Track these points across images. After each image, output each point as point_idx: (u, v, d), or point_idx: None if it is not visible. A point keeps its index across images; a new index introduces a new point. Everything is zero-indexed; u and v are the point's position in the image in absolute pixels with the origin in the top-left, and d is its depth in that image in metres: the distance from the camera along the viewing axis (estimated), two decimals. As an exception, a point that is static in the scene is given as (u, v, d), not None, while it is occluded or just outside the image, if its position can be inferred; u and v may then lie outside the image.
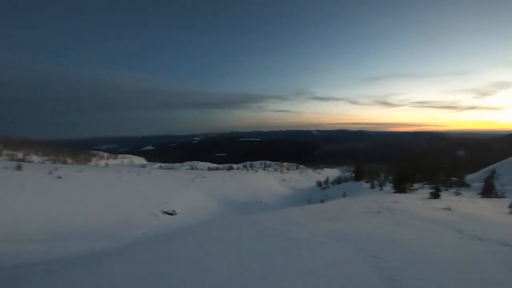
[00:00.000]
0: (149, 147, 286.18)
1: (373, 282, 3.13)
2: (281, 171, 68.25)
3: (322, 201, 22.49)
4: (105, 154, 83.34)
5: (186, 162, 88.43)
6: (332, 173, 75.58)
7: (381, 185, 28.83)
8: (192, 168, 65.92)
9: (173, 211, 22.90)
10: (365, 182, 34.88)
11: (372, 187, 29.57)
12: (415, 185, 25.96)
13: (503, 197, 17.67)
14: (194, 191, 30.08)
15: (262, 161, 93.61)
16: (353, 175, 44.62)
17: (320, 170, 79.01)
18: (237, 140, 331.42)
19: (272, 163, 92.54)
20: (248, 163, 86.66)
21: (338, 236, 5.48)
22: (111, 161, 77.43)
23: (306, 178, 62.37)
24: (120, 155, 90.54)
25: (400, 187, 22.23)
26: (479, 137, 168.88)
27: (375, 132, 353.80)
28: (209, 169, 64.48)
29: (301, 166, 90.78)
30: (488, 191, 19.70)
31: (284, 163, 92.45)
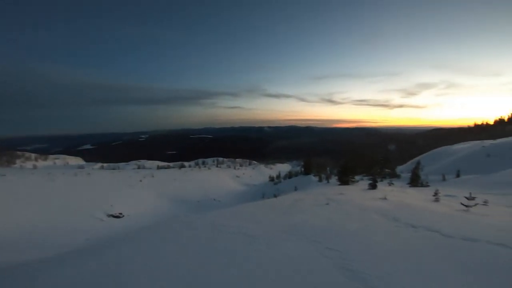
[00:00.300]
0: (87, 146, 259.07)
1: (329, 273, 3.31)
2: (235, 168, 68.39)
3: (275, 196, 23.21)
4: (33, 155, 73.00)
5: (132, 161, 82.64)
6: (284, 168, 78.34)
7: (327, 178, 30.89)
8: (139, 168, 61.72)
9: (120, 213, 21.29)
10: (314, 175, 37.01)
11: (320, 180, 31.51)
12: (356, 177, 28.55)
13: (428, 186, 20.53)
14: (143, 192, 28.25)
15: (215, 158, 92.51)
16: (302, 169, 47.11)
17: (272, 166, 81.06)
18: (188, 137, 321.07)
19: (225, 159, 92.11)
20: (200, 161, 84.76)
21: (293, 230, 5.69)
22: (41, 163, 68.20)
23: (259, 173, 63.55)
24: (51, 156, 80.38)
25: (344, 179, 24.17)
26: (407, 133, 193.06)
27: (322, 128, 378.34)
28: (159, 167, 61.22)
29: (254, 162, 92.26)
30: (415, 181, 22.68)
31: (237, 160, 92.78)
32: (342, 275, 3.20)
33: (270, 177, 51.05)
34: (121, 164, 74.89)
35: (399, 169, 40.17)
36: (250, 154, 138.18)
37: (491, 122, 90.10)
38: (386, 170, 34.59)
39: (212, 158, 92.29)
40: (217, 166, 70.31)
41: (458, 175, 25.18)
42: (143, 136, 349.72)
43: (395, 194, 13.32)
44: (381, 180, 27.34)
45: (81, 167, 60.24)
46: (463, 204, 8.11)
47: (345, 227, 5.85)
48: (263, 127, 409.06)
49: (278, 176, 49.97)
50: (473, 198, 8.14)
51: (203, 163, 78.92)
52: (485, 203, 9.49)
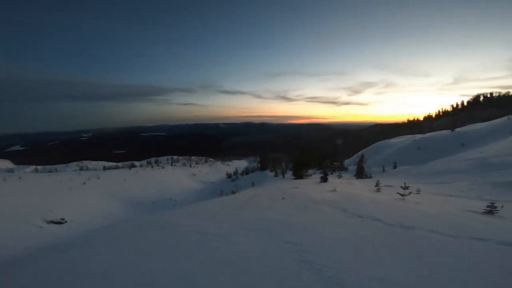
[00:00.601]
0: (17, 147, 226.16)
1: (288, 266, 3.42)
2: (190, 166, 66.53)
3: (233, 192, 23.26)
4: None
5: (72, 163, 74.71)
6: (241, 164, 78.83)
7: (283, 173, 31.94)
8: (81, 169, 55.98)
9: (62, 219, 19.26)
10: (270, 171, 38.00)
11: (276, 175, 32.47)
12: (310, 171, 30.11)
13: (371, 177, 22.60)
14: (88, 195, 25.78)
15: (169, 156, 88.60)
16: (259, 165, 48.07)
17: (229, 162, 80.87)
18: (139, 135, 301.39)
19: (180, 157, 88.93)
20: (153, 159, 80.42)
21: (251, 225, 5.76)
22: (-46, 167, 57.34)
23: (215, 171, 62.88)
24: (-30, 159, 68.17)
25: (298, 173, 25.26)
26: (352, 128, 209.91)
27: (277, 124, 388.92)
28: (105, 168, 56.34)
29: (210, 159, 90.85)
30: (360, 173, 24.79)
31: (193, 157, 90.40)
32: (301, 267, 3.33)
33: (227, 174, 51.13)
34: (60, 166, 67.10)
35: (346, 162, 43.47)
36: (206, 151, 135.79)
37: (421, 118, 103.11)
38: (336, 163, 37.18)
39: (166, 157, 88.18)
40: (171, 165, 67.51)
41: (395, 167, 28.17)
42: (85, 135, 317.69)
43: (343, 186, 14.37)
44: (332, 173, 29.27)
45: (10, 170, 52.40)
46: (399, 194, 9.14)
47: (300, 220, 6.12)
48: (219, 123, 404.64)
49: (235, 173, 50.23)
50: (407, 188, 9.22)
51: (156, 162, 75.01)
52: (418, 191, 10.83)
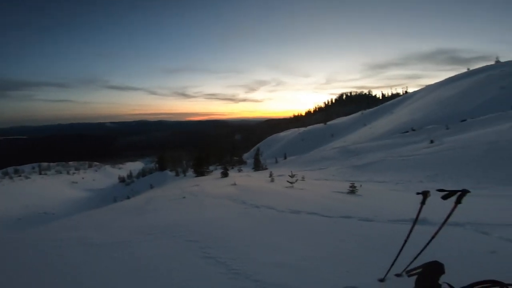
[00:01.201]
0: None
1: (194, 264, 3.35)
2: (68, 173, 55.52)
3: (128, 198, 20.99)
4: None
5: None
6: (136, 166, 72.01)
7: (184, 172, 31.07)
8: None
9: None
10: (170, 170, 36.22)
11: (177, 174, 31.27)
12: (211, 167, 30.42)
13: (266, 169, 24.87)
14: None
15: (35, 164, 70.56)
16: (157, 165, 45.03)
17: (121, 165, 73.47)
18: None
19: (52, 164, 72.34)
20: (11, 169, 62.21)
21: (149, 229, 5.31)
22: None
23: (104, 176, 55.10)
24: None
25: (199, 171, 25.12)
26: (249, 123, 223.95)
27: (175, 122, 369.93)
28: None
29: (96, 163, 78.26)
30: (257, 165, 26.88)
31: (71, 163, 75.38)
32: (207, 263, 3.31)
33: (120, 178, 46.11)
34: None
35: (245, 156, 46.30)
36: (89, 154, 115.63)
37: (303, 113, 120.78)
38: (235, 158, 38.96)
39: (30, 165, 69.77)
40: (40, 174, 54.31)
41: (285, 157, 31.96)
42: None
43: (243, 179, 15.23)
44: (232, 168, 30.51)
45: None
46: (288, 182, 10.48)
47: (202, 217, 6.11)
48: (105, 123, 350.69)
49: (130, 176, 45.91)
50: (293, 176, 10.66)
51: (17, 171, 58.51)
52: (303, 178, 12.67)
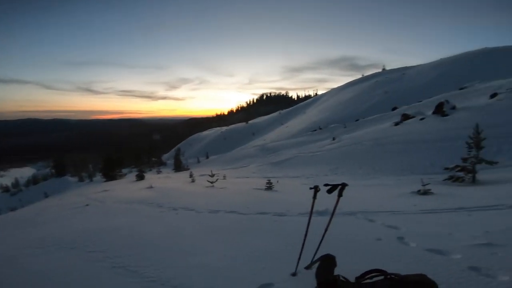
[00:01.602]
0: None
1: (100, 276, 2.93)
2: None
3: (12, 210, 17.00)
4: None
5: None
6: (24, 172, 59.97)
7: (90, 176, 27.29)
8: None
9: None
10: (71, 176, 31.34)
11: (81, 180, 27.24)
12: (124, 170, 27.48)
13: (188, 169, 23.96)
14: None
15: None
16: (53, 170, 38.01)
17: (2, 172, 61.14)
18: None
19: None
20: None
21: (39, 242, 4.38)
22: None
23: (-27, 187, 43.11)
24: None
25: (110, 174, 22.39)
26: (169, 122, 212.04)
27: (78, 120, 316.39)
28: None
29: (-40, 171, 61.00)
30: (177, 166, 25.65)
31: None
32: (115, 274, 2.94)
33: (2, 187, 37.45)
34: None
35: (165, 156, 43.63)
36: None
37: (226, 112, 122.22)
38: (154, 159, 36.25)
39: None
40: None
41: (207, 157, 31.58)
42: None
43: (161, 181, 14.28)
44: (150, 170, 28.27)
45: None
46: (209, 182, 10.31)
47: (109, 225, 5.38)
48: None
49: (16, 184, 37.80)
50: (214, 175, 10.55)
51: None
52: (224, 177, 12.69)
